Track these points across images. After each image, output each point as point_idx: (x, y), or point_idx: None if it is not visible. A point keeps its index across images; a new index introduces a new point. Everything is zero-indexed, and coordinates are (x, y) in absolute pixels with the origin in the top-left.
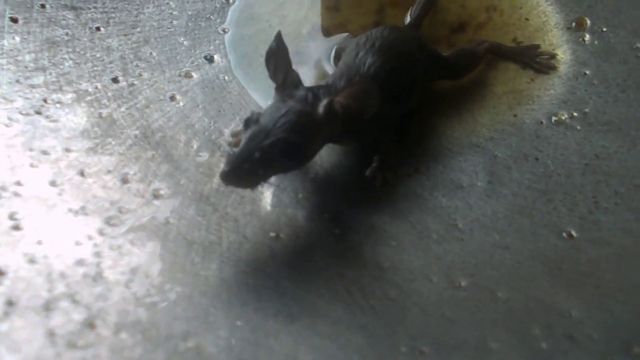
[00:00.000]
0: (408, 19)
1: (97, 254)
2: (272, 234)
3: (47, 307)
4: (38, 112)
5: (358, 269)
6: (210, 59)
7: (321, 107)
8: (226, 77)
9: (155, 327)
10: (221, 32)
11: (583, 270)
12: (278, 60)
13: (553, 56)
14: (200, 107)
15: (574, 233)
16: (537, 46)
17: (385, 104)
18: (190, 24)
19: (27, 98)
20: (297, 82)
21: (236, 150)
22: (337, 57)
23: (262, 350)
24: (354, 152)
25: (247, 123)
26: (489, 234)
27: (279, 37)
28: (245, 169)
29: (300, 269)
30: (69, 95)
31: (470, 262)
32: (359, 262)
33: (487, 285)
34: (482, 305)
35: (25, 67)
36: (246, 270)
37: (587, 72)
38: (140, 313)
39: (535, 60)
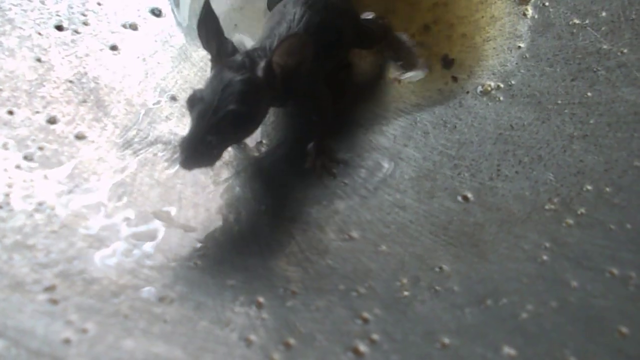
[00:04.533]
0: None
1: (9, 185)
2: (179, 182)
3: None
4: None
5: (254, 216)
6: (158, 13)
7: (260, 70)
8: (170, 32)
9: (48, 251)
10: None
11: (466, 231)
12: (209, 30)
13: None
14: (139, 58)
15: (470, 197)
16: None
17: (315, 60)
18: None
19: None
20: (232, 50)
21: (187, 133)
22: None
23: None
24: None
25: (191, 102)
26: (391, 194)
27: (207, 6)
28: (201, 149)
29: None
30: (11, 40)
31: (366, 218)
32: (257, 211)
33: (374, 239)
34: (362, 257)
35: None
36: (154, 209)
37: (522, 45)
38: (38, 239)
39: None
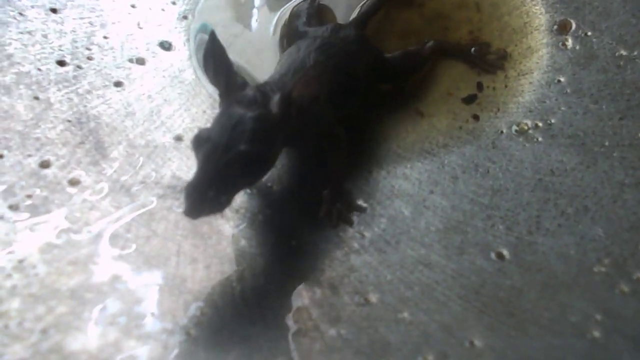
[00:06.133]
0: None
1: None
2: (178, 233)
3: None
4: None
5: (259, 275)
6: (167, 47)
7: (274, 105)
8: (180, 66)
9: (22, 319)
10: (182, 19)
11: (501, 297)
12: (217, 63)
13: (503, 56)
14: (145, 95)
15: (505, 254)
16: (488, 45)
17: (329, 102)
18: (151, 8)
19: None
20: (242, 84)
21: (192, 177)
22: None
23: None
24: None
25: (197, 143)
26: (414, 249)
27: (213, 37)
28: (207, 196)
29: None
30: (8, 77)
31: (386, 278)
32: (263, 268)
33: (394, 304)
34: (380, 326)
35: None
36: (148, 265)
37: (562, 79)
38: (12, 304)
39: (484, 60)
